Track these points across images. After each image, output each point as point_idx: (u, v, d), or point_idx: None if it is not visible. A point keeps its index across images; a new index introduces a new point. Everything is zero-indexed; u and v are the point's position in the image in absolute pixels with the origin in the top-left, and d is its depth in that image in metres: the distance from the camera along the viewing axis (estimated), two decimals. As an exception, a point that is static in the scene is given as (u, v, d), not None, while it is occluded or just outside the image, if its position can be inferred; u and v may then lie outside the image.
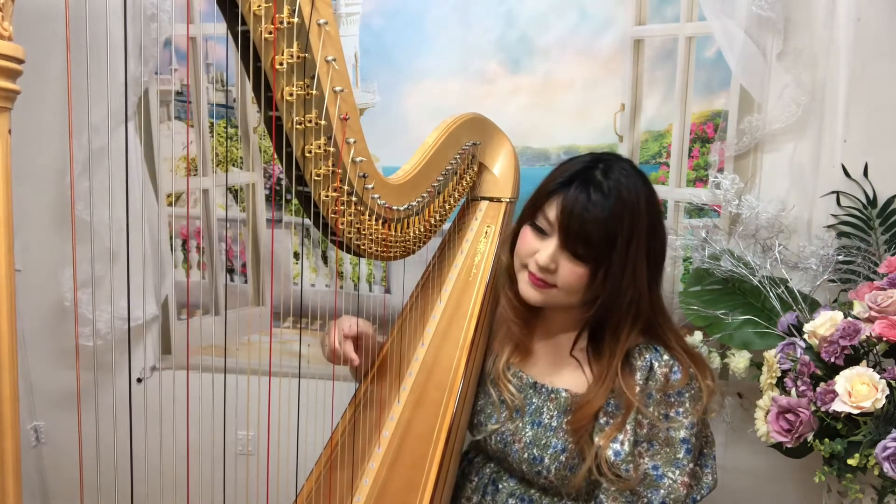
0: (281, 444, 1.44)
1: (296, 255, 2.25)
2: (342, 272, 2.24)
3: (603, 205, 1.30)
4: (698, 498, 1.38)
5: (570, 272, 1.35)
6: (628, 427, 1.34)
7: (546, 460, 1.39)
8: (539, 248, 1.37)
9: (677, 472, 1.33)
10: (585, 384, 1.42)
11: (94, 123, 1.97)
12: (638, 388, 1.35)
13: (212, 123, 2.18)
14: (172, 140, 2.19)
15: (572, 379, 1.45)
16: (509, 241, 1.50)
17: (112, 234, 2.03)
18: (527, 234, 1.41)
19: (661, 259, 1.41)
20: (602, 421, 1.36)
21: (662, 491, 1.33)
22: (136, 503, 1.24)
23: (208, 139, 2.19)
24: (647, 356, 1.38)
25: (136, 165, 2.07)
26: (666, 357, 1.37)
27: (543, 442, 1.41)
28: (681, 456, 1.34)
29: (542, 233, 1.38)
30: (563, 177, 1.37)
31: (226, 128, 2.19)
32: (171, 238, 2.25)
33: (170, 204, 2.24)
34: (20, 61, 0.86)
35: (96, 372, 2.00)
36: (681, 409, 1.35)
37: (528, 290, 1.42)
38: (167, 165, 2.20)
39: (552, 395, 1.45)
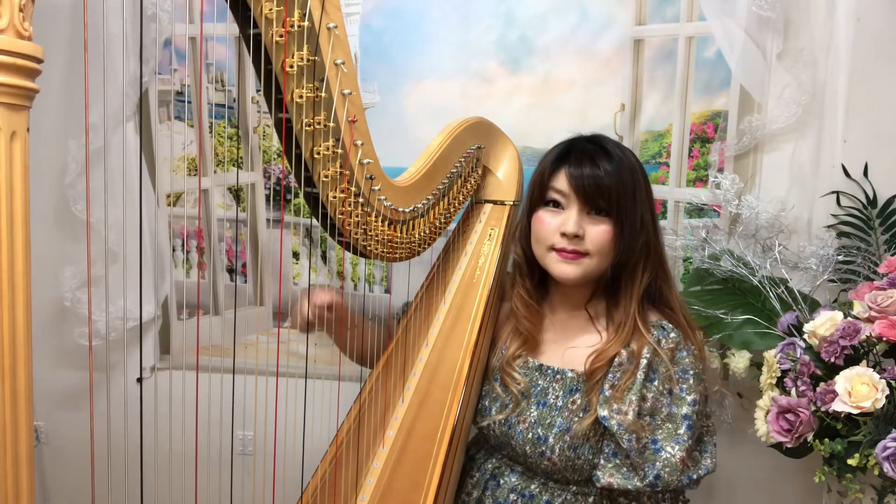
0: (283, 445, 1.44)
1: (296, 255, 2.25)
2: (342, 272, 2.24)
3: (608, 159, 1.42)
4: (695, 476, 1.38)
5: (598, 232, 1.41)
6: (633, 397, 1.36)
7: (550, 440, 1.41)
8: (560, 221, 1.43)
9: (676, 447, 1.35)
10: (598, 341, 1.46)
11: (94, 123, 1.97)
12: (645, 361, 1.39)
13: (212, 123, 2.18)
14: (172, 140, 2.19)
15: (584, 341, 1.48)
16: (520, 234, 1.55)
17: (112, 234, 2.03)
18: (542, 216, 1.47)
19: (655, 209, 1.52)
20: (608, 393, 1.38)
21: (659, 464, 1.35)
22: (137, 502, 1.24)
23: (208, 139, 2.19)
24: (654, 333, 1.42)
25: (135, 165, 2.06)
26: (673, 335, 1.42)
27: (548, 421, 1.43)
28: (681, 432, 1.36)
29: (557, 207, 1.45)
30: (554, 156, 1.47)
31: (226, 128, 2.19)
32: (171, 238, 2.25)
33: (170, 204, 2.24)
34: (39, 61, 0.87)
35: (98, 372, 2.01)
36: (684, 386, 1.39)
37: (562, 268, 1.45)
38: (167, 165, 2.20)
39: (558, 377, 1.47)
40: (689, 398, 1.38)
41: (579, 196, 1.41)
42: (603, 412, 1.37)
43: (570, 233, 1.40)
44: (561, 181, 1.43)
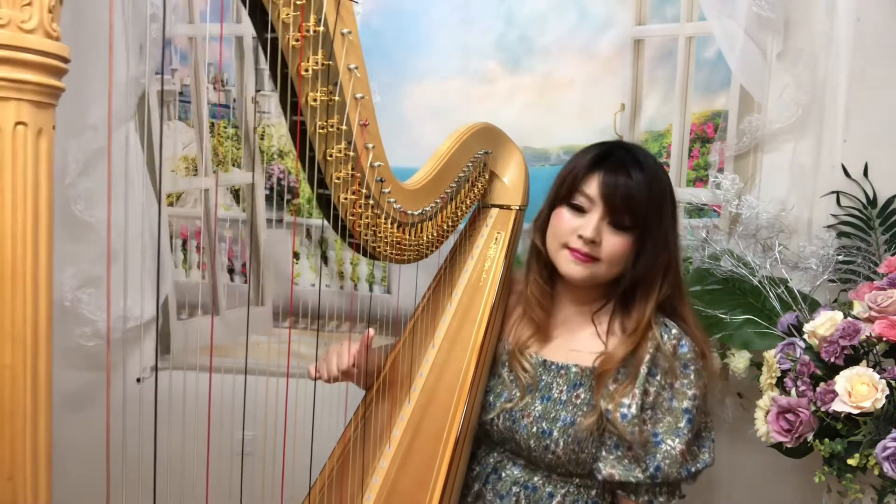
0: (285, 445, 1.44)
1: (296, 255, 2.25)
2: (342, 272, 2.24)
3: (643, 180, 1.41)
4: (693, 470, 1.40)
5: (615, 243, 1.42)
6: (636, 391, 1.38)
7: (555, 433, 1.42)
8: (580, 224, 1.43)
9: (677, 440, 1.37)
10: (599, 348, 1.47)
11: (93, 123, 1.96)
12: (648, 356, 1.41)
13: (212, 123, 2.17)
14: (173, 140, 2.18)
15: (587, 346, 1.49)
16: (539, 224, 1.55)
17: (112, 234, 2.02)
18: (563, 213, 1.47)
19: (678, 226, 1.53)
20: (611, 388, 1.41)
21: (659, 455, 1.37)
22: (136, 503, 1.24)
23: (208, 139, 2.19)
24: (657, 331, 1.43)
25: (136, 165, 2.05)
26: (675, 331, 1.43)
27: (553, 415, 1.44)
28: (682, 425, 1.38)
29: (580, 210, 1.44)
30: (590, 158, 1.46)
31: (226, 128, 2.19)
32: (171, 238, 2.24)
33: (170, 204, 2.23)
34: (66, 60, 0.90)
35: (98, 372, 2.00)
36: (686, 381, 1.40)
37: (571, 268, 1.46)
38: (167, 165, 2.19)
39: (562, 371, 1.48)
40: (690, 392, 1.40)
41: (607, 206, 1.41)
42: (607, 405, 1.39)
43: (587, 238, 1.41)
44: (592, 187, 1.43)
